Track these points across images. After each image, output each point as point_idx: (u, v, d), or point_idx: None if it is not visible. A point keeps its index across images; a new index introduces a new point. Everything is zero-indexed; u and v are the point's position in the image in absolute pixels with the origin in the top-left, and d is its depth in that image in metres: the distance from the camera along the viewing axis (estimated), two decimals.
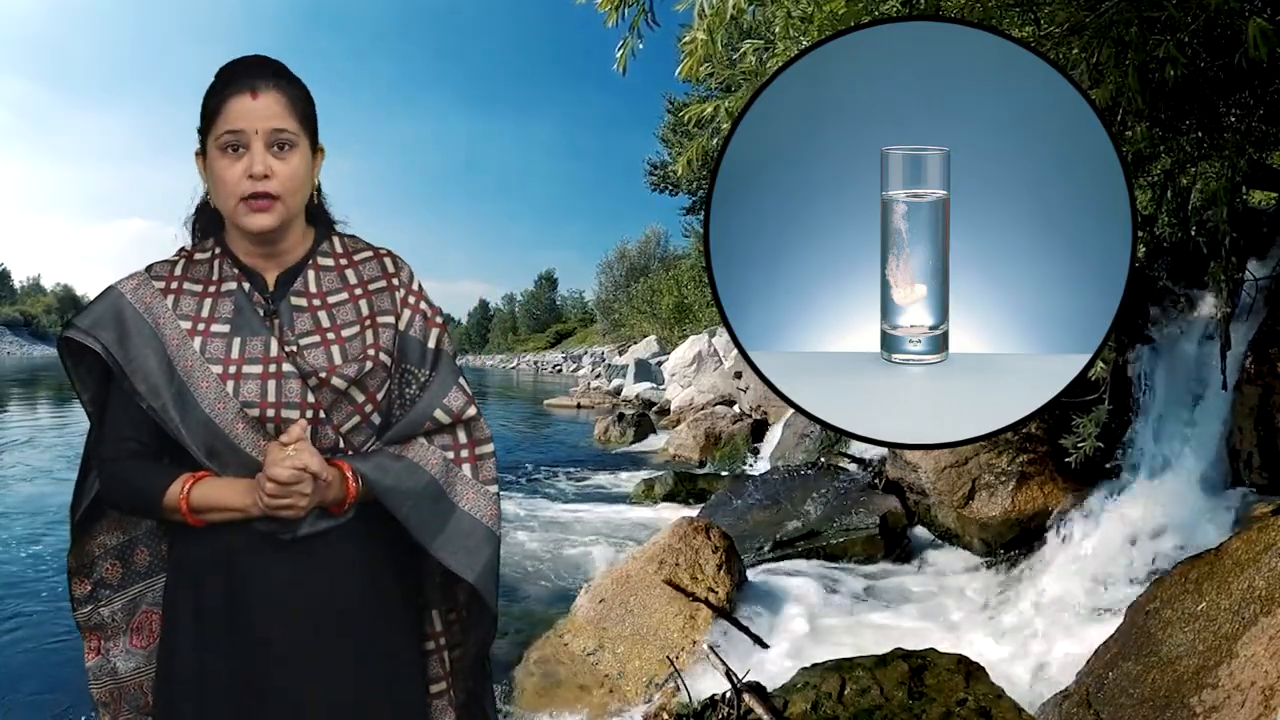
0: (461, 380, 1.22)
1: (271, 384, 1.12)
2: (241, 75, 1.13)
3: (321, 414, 1.13)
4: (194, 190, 1.23)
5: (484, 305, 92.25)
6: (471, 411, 1.21)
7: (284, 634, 1.11)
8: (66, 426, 11.80)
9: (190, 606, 1.13)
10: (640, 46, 2.15)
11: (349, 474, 1.11)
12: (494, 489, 1.22)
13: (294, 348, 1.14)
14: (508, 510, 6.58)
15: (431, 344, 1.20)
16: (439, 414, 1.18)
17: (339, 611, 1.13)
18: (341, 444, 1.15)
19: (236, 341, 1.14)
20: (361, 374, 1.14)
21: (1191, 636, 2.35)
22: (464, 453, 1.20)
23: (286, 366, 1.12)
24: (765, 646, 3.41)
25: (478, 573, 1.18)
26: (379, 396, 1.17)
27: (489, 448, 1.23)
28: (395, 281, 1.21)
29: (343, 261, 1.21)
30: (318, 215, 1.24)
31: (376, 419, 1.17)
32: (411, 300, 1.21)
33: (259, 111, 1.11)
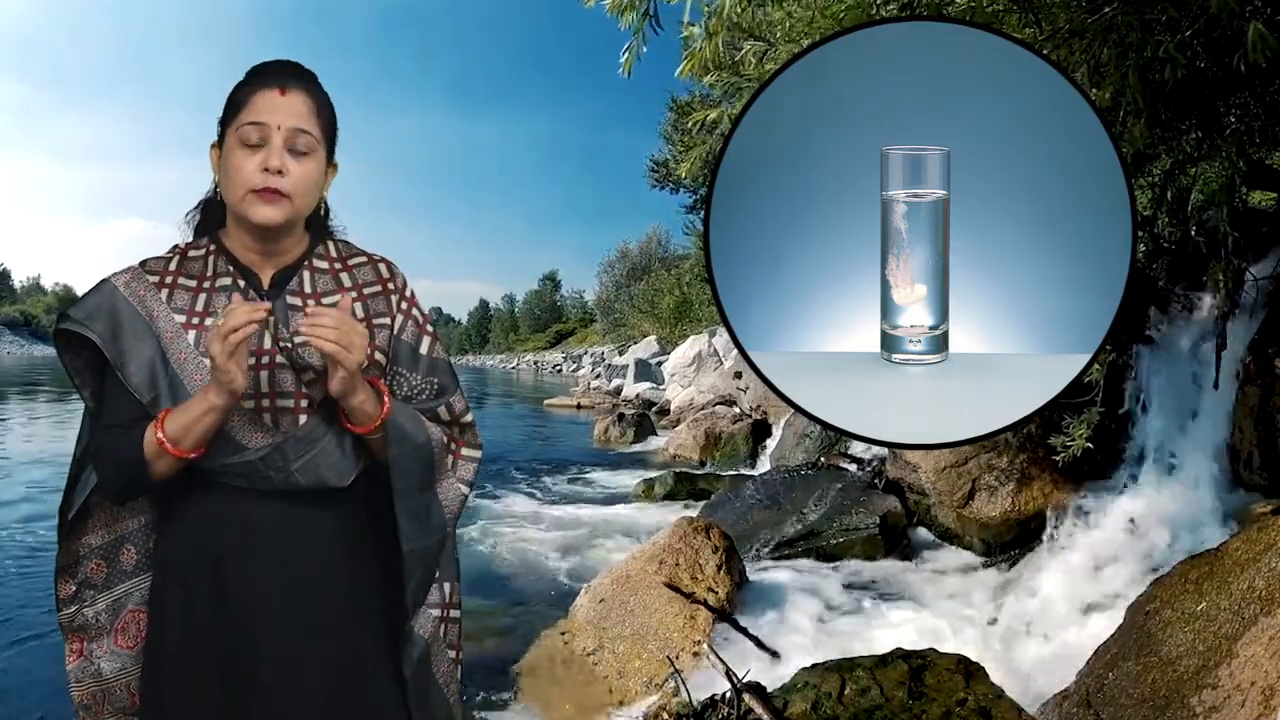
0: (461, 388, 1.26)
1: (265, 375, 1.13)
2: (273, 72, 1.15)
3: (315, 406, 1.14)
4: (201, 187, 1.24)
5: (484, 305, 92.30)
6: (469, 418, 1.26)
7: (272, 634, 1.11)
8: (68, 426, 11.79)
9: (178, 604, 1.14)
10: (644, 50, 2.15)
11: (384, 391, 1.14)
12: (465, 490, 1.24)
13: (288, 344, 1.14)
14: (509, 509, 6.59)
15: (424, 350, 1.23)
16: (441, 410, 1.23)
17: (329, 612, 1.14)
18: None
19: None
20: None
21: (1191, 636, 2.35)
22: (451, 446, 1.24)
23: (280, 359, 1.13)
24: (775, 655, 3.40)
25: (412, 547, 1.17)
26: None
27: (475, 454, 1.26)
28: (391, 286, 1.24)
29: (337, 265, 1.23)
30: (316, 222, 1.24)
31: None
32: (405, 306, 1.24)
33: (284, 108, 1.13)
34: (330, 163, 1.20)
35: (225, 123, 1.15)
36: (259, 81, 1.14)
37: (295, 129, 1.13)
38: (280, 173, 1.12)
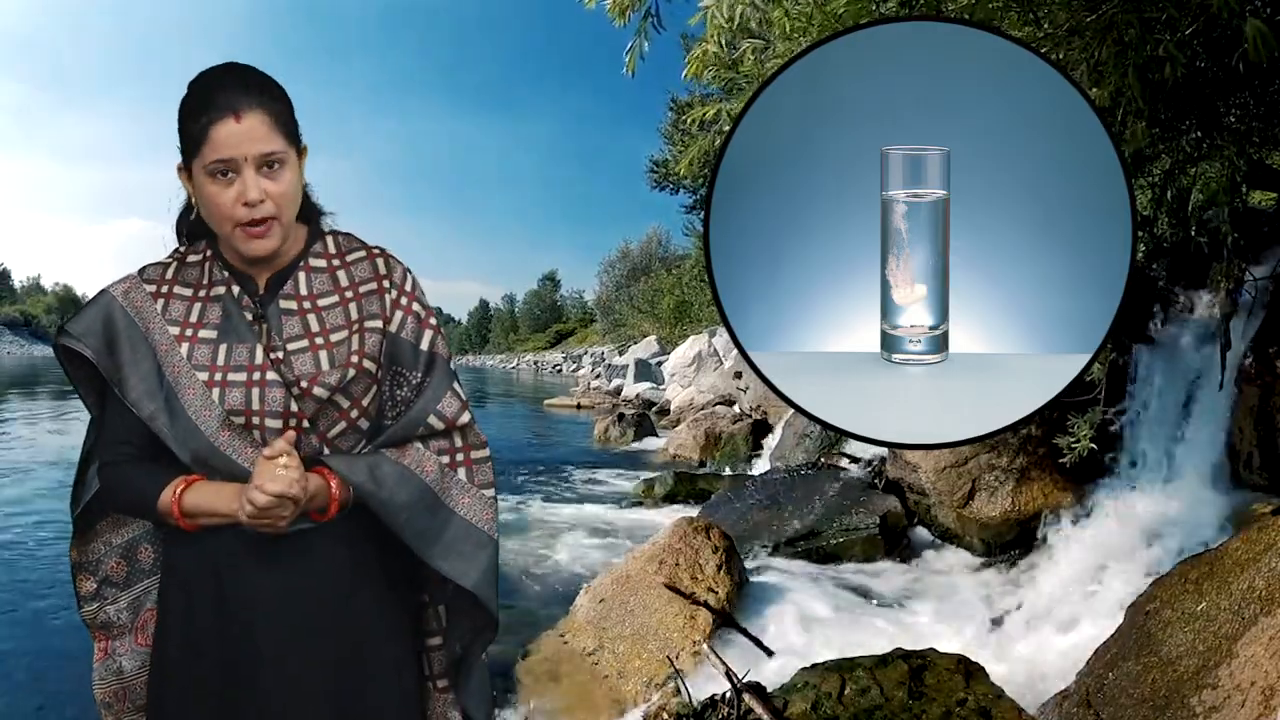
0: (456, 385, 1.20)
1: (255, 392, 1.11)
2: (219, 97, 1.09)
3: (305, 423, 1.12)
4: (176, 193, 1.21)
5: (484, 305, 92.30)
6: (466, 418, 1.19)
7: (271, 637, 1.11)
8: (68, 426, 11.80)
9: (180, 609, 1.14)
10: (646, 49, 2.16)
11: (334, 485, 1.10)
12: (490, 493, 1.21)
13: (280, 354, 1.13)
14: (508, 510, 6.58)
15: (424, 346, 1.18)
16: (433, 419, 1.17)
17: (327, 614, 1.13)
18: (327, 451, 1.14)
19: (223, 348, 1.13)
20: (344, 381, 1.13)
21: (1191, 636, 2.35)
22: (459, 457, 1.19)
23: (270, 375, 1.12)
24: (770, 654, 3.40)
25: (475, 579, 1.17)
26: (365, 402, 1.16)
27: (484, 452, 1.22)
28: (386, 283, 1.19)
29: (334, 262, 1.20)
30: (305, 210, 1.21)
31: (364, 424, 1.17)
32: (403, 302, 1.19)
33: (245, 135, 1.08)
34: (300, 151, 1.16)
35: (187, 153, 1.11)
36: (211, 112, 1.08)
37: (262, 154, 1.09)
38: (261, 201, 1.10)
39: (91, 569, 1.23)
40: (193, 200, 1.17)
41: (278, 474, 1.05)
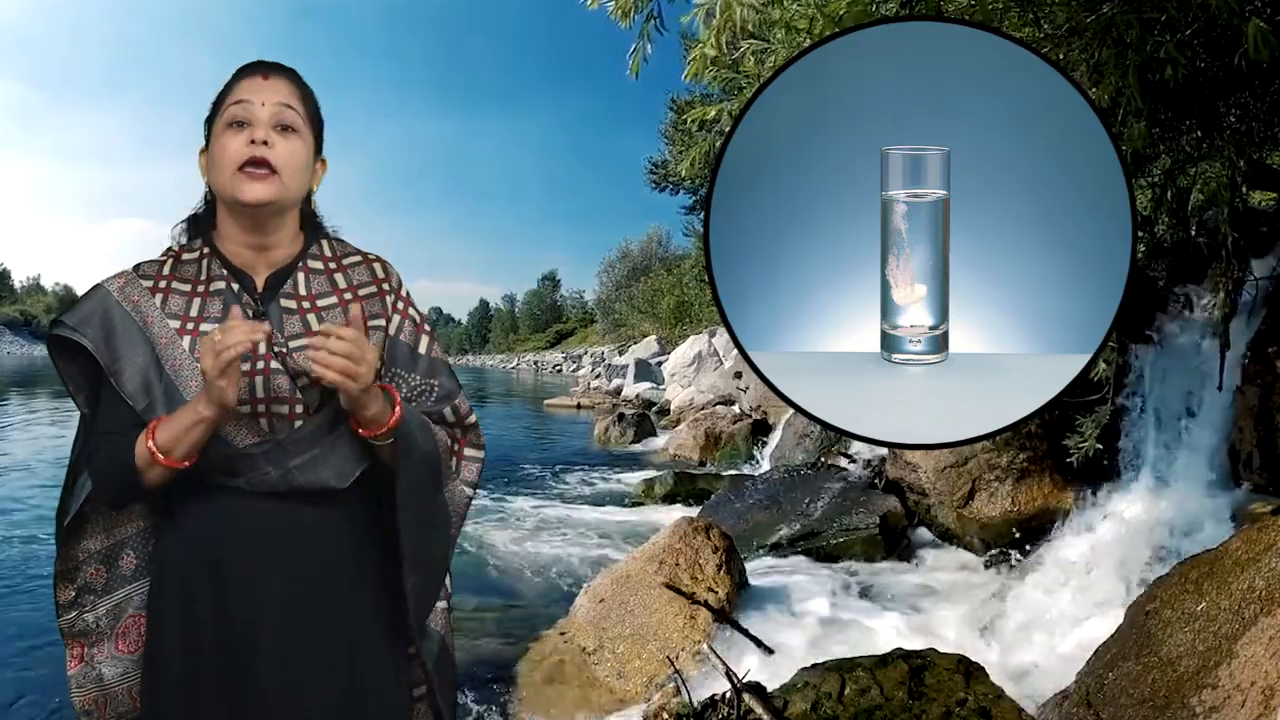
0: (461, 389, 1.27)
1: (260, 380, 1.12)
2: (257, 64, 1.18)
3: (311, 411, 1.13)
4: (188, 198, 1.24)
5: (484, 305, 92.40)
6: (473, 419, 1.26)
7: (271, 635, 1.10)
8: (68, 427, 11.79)
9: (177, 609, 1.13)
10: (650, 50, 2.16)
11: (397, 399, 1.12)
12: (470, 491, 1.25)
13: (283, 349, 1.14)
14: (509, 510, 6.59)
15: (422, 349, 1.22)
16: (447, 412, 1.23)
17: (334, 607, 1.14)
18: None
19: None
20: None
21: (1191, 636, 2.35)
22: (455, 448, 1.25)
23: (275, 365, 1.13)
24: (769, 652, 3.40)
25: (423, 556, 1.18)
26: None
27: (479, 454, 1.27)
28: (385, 287, 1.22)
29: (332, 265, 1.22)
30: (308, 221, 1.24)
31: None
32: (401, 306, 1.23)
33: (267, 89, 1.15)
34: (319, 155, 1.21)
35: (211, 120, 1.17)
36: (242, 73, 1.17)
37: (280, 104, 1.14)
38: (266, 144, 1.13)
39: (70, 577, 1.21)
40: (207, 187, 1.19)
41: (228, 326, 1.03)
